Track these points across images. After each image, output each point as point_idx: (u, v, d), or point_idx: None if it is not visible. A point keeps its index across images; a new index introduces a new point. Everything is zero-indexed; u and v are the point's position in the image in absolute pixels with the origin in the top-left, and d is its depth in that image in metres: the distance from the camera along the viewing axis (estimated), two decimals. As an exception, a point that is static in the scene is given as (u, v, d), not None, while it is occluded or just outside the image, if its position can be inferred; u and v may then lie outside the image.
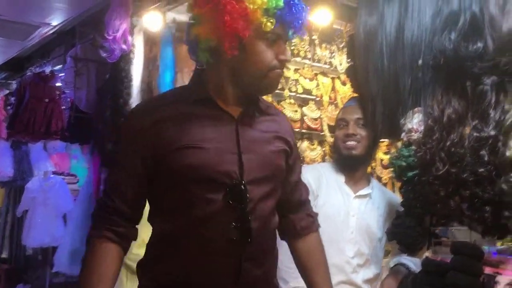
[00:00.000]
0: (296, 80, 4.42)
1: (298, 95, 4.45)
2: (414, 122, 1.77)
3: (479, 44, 1.59)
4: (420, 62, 1.76)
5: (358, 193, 2.08)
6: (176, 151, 1.27)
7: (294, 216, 1.52)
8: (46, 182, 5.07)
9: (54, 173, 5.29)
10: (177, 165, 1.27)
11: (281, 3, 1.25)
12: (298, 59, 4.41)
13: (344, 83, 4.76)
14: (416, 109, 1.79)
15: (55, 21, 4.29)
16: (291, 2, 1.28)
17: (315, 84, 4.54)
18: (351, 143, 2.03)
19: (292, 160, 1.48)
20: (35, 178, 5.15)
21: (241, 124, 1.35)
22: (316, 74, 4.59)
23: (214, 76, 1.35)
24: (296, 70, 4.45)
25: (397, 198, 2.17)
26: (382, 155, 4.96)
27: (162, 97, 1.54)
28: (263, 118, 1.42)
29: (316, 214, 1.59)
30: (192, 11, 1.31)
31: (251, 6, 1.23)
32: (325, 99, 4.61)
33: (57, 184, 5.11)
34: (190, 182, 1.28)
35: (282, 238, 1.55)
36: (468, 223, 1.65)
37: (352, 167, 2.08)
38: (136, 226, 1.36)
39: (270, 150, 1.39)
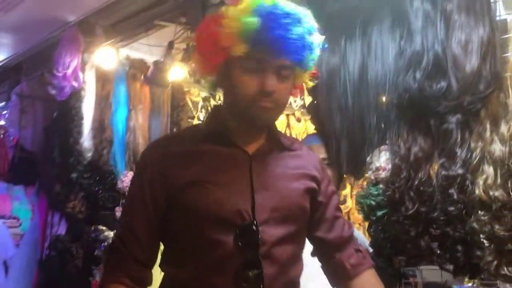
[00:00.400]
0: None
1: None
2: (382, 160, 1.76)
3: (443, 84, 1.61)
4: (384, 101, 1.76)
5: None
6: (186, 190, 1.20)
7: (341, 254, 1.33)
8: (-15, 227, 4.74)
9: (-6, 216, 4.97)
10: (187, 204, 1.20)
11: (253, 26, 1.12)
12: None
13: (299, 120, 4.80)
14: (382, 147, 1.79)
15: (0, 56, 4.10)
16: (271, 23, 1.12)
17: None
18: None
19: (323, 197, 1.33)
20: (-28, 222, 4.80)
21: (256, 161, 1.24)
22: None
23: (222, 113, 1.29)
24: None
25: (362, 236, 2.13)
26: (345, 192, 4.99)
27: (177, 134, 1.51)
28: (285, 154, 1.30)
29: (367, 249, 1.43)
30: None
31: (223, 30, 1.15)
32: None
33: (-3, 228, 4.79)
34: (200, 222, 1.18)
35: (334, 286, 1.37)
36: (439, 263, 1.63)
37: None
38: (151, 270, 1.26)
39: (290, 188, 1.26)
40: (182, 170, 1.22)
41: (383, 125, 1.79)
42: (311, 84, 1.29)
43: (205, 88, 1.33)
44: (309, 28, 1.17)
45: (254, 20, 1.12)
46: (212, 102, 4.14)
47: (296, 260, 1.26)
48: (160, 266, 1.29)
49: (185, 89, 3.97)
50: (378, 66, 1.81)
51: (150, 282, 1.25)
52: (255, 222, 1.17)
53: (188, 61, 3.84)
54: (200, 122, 4.06)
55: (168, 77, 3.36)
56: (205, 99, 4.12)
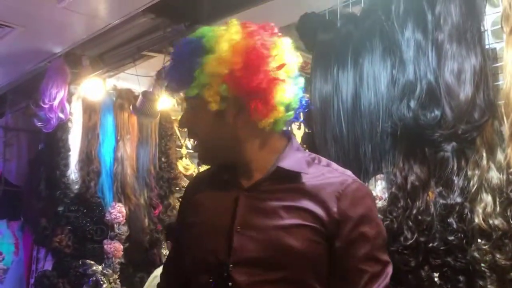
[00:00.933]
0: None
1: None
2: (378, 189, 1.74)
3: (437, 112, 1.61)
4: (378, 129, 1.76)
5: None
6: (184, 228, 1.28)
7: None
8: (-34, 262, 4.59)
9: (-25, 251, 4.81)
10: (184, 243, 1.26)
11: None
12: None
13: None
14: (378, 176, 1.78)
15: (-17, 88, 4.03)
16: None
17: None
18: None
19: (342, 242, 1.09)
20: (-47, 258, 4.64)
21: (247, 195, 1.14)
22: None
23: None
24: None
25: None
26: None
27: (204, 171, 1.42)
28: (286, 186, 1.13)
29: None
30: None
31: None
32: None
33: (-21, 264, 4.64)
34: (187, 261, 1.24)
35: None
36: (440, 293, 1.60)
37: None
38: None
39: (276, 225, 1.09)
40: (188, 207, 1.30)
41: (378, 154, 1.78)
42: (215, 107, 1.12)
43: None
44: (190, 59, 1.12)
45: None
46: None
47: None
48: None
49: (173, 118, 3.94)
50: (371, 95, 1.81)
51: None
52: (227, 263, 1.09)
53: (175, 90, 3.83)
54: (188, 150, 4.03)
55: (156, 107, 3.34)
56: (193, 128, 4.09)
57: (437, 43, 1.64)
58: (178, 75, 1.18)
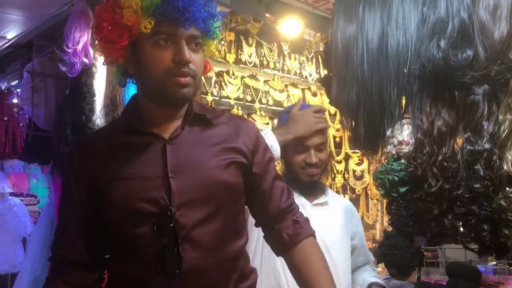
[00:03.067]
0: (266, 92, 4.33)
1: (268, 107, 4.37)
2: (404, 134, 1.67)
3: (469, 52, 1.50)
4: (405, 71, 1.66)
5: (314, 202, 2.00)
6: (105, 187, 1.19)
7: (279, 225, 1.36)
8: (3, 205, 4.79)
9: (12, 194, 5.00)
10: (107, 202, 1.19)
11: (156, 0, 1.13)
12: (267, 70, 4.32)
13: (314, 94, 4.70)
14: (404, 120, 1.70)
15: (11, 34, 4.05)
16: None
17: (285, 96, 4.47)
18: (312, 170, 1.94)
19: (258, 168, 1.33)
20: (-9, 200, 4.85)
21: (172, 143, 1.22)
22: (286, 86, 4.52)
23: (132, 100, 1.30)
24: (266, 82, 4.36)
25: (351, 204, 2.17)
26: (354, 166, 4.92)
27: (98, 130, 1.50)
28: (207, 130, 1.28)
29: (307, 219, 1.42)
30: None
31: (122, 11, 1.13)
32: (296, 110, 4.53)
33: (15, 206, 4.84)
34: (119, 218, 1.18)
35: (278, 256, 1.40)
36: (463, 242, 1.55)
37: (310, 187, 1.99)
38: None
39: (210, 165, 1.23)
40: (100, 167, 1.21)
41: (404, 98, 1.69)
42: (218, 54, 1.31)
43: (115, 76, 1.32)
44: None
45: None
46: (226, 77, 4.05)
47: (225, 240, 1.22)
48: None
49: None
50: (399, 35, 1.70)
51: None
52: (170, 207, 1.14)
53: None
54: (213, 97, 3.99)
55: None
56: (218, 74, 4.04)
57: (472, -23, 1.51)
58: (205, 11, 1.19)
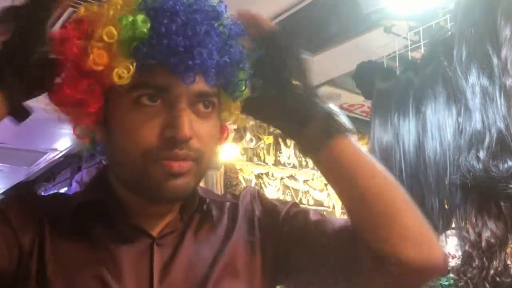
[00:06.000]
0: (306, 192, 4.33)
1: (309, 206, 4.34)
2: (450, 246, 1.61)
3: (510, 163, 1.48)
4: (447, 182, 1.64)
5: None
6: None
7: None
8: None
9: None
10: None
11: (142, 30, 0.64)
12: (307, 170, 4.35)
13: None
14: (449, 232, 1.65)
15: (61, 145, 4.30)
16: (169, 24, 0.65)
17: (325, 195, 4.45)
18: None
19: (286, 223, 0.81)
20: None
21: (163, 246, 0.75)
22: (326, 184, 4.51)
23: (110, 174, 0.78)
24: (305, 182, 4.38)
25: None
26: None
27: (46, 197, 0.85)
28: (206, 226, 0.80)
29: None
30: None
31: (91, 43, 0.65)
32: (337, 209, 4.49)
33: None
34: None
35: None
36: None
37: None
38: None
39: (213, 274, 0.75)
40: (59, 272, 0.69)
41: (447, 209, 1.66)
42: (245, 122, 0.81)
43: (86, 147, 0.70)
44: (233, 28, 0.71)
45: (142, 18, 0.65)
46: (266, 179, 4.10)
47: None
48: None
49: (238, 168, 3.97)
50: (435, 145, 1.71)
51: None
52: None
53: (239, 140, 3.88)
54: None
55: (220, 158, 3.38)
56: (258, 177, 4.10)
57: (506, 89, 1.53)
58: (222, 54, 0.69)
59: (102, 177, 0.78)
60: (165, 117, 0.67)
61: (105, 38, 0.65)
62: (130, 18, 0.65)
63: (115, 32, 0.65)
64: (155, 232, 0.75)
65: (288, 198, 4.20)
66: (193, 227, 0.78)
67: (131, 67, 0.65)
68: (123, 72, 0.65)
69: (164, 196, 0.70)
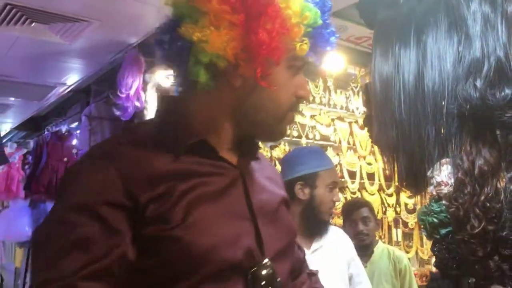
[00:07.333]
0: (313, 127, 4.36)
1: (315, 141, 4.37)
2: (443, 174, 1.65)
3: (507, 91, 1.48)
4: (444, 111, 1.65)
5: (312, 249, 2.04)
6: (170, 229, 0.82)
7: (296, 281, 1.15)
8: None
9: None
10: (171, 250, 0.82)
11: (319, 20, 0.93)
12: (313, 105, 4.35)
13: (362, 127, 4.67)
14: (443, 160, 1.68)
15: (70, 80, 4.33)
16: (326, 19, 0.96)
17: (332, 130, 4.48)
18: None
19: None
20: (53, 237, 5.09)
21: (246, 178, 0.97)
22: (333, 120, 4.52)
23: (205, 109, 0.95)
24: (312, 117, 4.39)
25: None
26: (406, 199, 4.80)
27: (133, 141, 0.92)
28: (258, 165, 1.05)
29: (317, 271, 1.27)
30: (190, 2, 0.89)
31: (291, 21, 0.88)
32: (344, 144, 4.53)
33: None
34: (192, 274, 0.83)
35: None
36: (511, 285, 1.49)
37: (321, 230, 2.02)
38: None
39: (282, 206, 1.04)
40: (159, 195, 0.83)
41: (443, 138, 1.68)
42: None
43: (190, 74, 0.86)
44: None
45: (316, 11, 0.93)
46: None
47: None
48: None
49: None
50: (435, 75, 1.70)
51: None
52: (264, 259, 0.90)
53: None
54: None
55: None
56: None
57: (507, 16, 1.50)
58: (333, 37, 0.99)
59: (180, 114, 0.95)
60: (298, 82, 0.96)
61: (305, 20, 0.91)
62: (314, 11, 0.91)
63: (308, 17, 0.91)
64: (238, 166, 0.97)
65: (295, 134, 4.24)
66: (257, 165, 1.05)
67: (307, 43, 0.92)
68: (306, 47, 0.92)
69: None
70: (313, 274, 1.24)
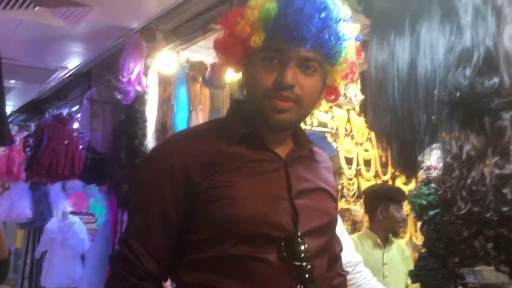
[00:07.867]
0: (311, 113, 4.41)
1: (313, 128, 4.43)
2: (433, 159, 1.73)
3: (495, 80, 1.56)
4: (435, 98, 1.72)
5: None
6: (217, 201, 1.04)
7: (328, 274, 1.22)
8: (64, 223, 5.10)
9: (72, 213, 5.31)
10: (217, 217, 1.04)
11: (272, 12, 1.03)
12: (311, 92, 4.39)
13: (359, 114, 4.74)
14: (434, 145, 1.75)
15: (71, 64, 4.38)
16: (290, 8, 1.02)
17: (330, 117, 4.54)
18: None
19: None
20: (53, 218, 5.19)
21: (290, 166, 1.12)
22: (331, 107, 4.58)
23: (247, 108, 1.15)
24: (310, 104, 4.43)
25: None
26: (401, 186, 4.89)
27: (197, 130, 1.25)
28: (312, 160, 1.20)
29: (347, 272, 1.36)
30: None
31: (242, 20, 1.06)
32: (341, 131, 4.59)
33: (75, 224, 5.14)
34: (234, 237, 1.03)
35: None
36: (494, 264, 1.58)
37: None
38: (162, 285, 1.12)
39: (323, 197, 1.17)
40: (211, 174, 1.05)
41: (434, 123, 1.75)
42: (342, 83, 1.15)
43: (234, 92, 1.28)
44: (336, 14, 1.05)
45: (273, 6, 1.03)
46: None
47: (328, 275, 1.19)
48: (175, 277, 1.12)
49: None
50: (427, 63, 1.77)
51: None
52: (299, 233, 1.04)
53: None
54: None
55: (225, 78, 3.45)
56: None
57: (497, 7, 1.57)
58: (327, 32, 1.03)
59: (239, 111, 1.16)
60: (279, 71, 1.04)
61: (250, 17, 1.04)
62: (266, 6, 1.03)
63: (256, 14, 1.04)
64: (283, 156, 1.12)
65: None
66: (304, 157, 1.17)
67: (261, 36, 1.04)
68: (256, 40, 1.04)
69: (272, 125, 1.07)
70: (342, 275, 1.29)
